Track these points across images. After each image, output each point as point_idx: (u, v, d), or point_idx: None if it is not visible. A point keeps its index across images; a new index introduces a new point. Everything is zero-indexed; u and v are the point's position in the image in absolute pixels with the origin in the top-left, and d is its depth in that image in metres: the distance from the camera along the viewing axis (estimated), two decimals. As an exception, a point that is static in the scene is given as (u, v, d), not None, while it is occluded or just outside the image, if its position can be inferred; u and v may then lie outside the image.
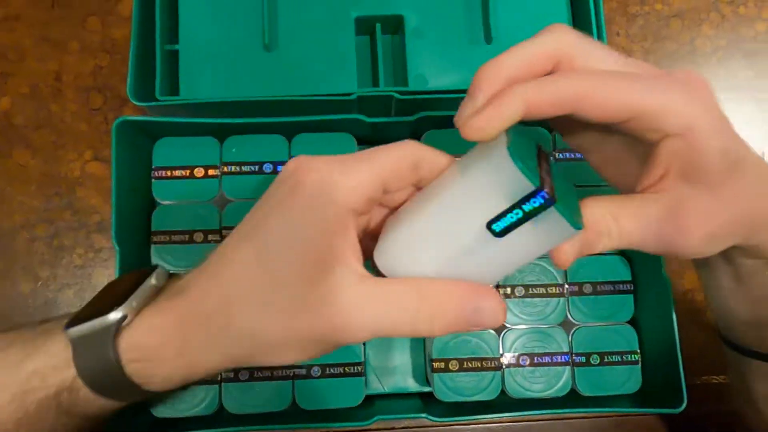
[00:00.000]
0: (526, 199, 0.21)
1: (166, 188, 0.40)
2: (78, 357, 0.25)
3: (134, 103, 0.39)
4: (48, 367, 0.25)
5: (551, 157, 0.25)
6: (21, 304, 0.45)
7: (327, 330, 0.23)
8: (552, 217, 0.22)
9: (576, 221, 0.22)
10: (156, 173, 0.40)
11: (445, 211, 0.24)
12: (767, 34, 0.51)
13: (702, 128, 0.23)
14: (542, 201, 0.21)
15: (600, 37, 0.43)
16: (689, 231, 0.24)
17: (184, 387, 0.27)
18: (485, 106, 0.22)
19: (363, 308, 0.23)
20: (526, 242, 0.23)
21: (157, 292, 0.27)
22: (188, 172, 0.40)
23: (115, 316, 0.25)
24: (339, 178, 0.23)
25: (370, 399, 0.41)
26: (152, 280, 0.27)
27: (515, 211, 0.22)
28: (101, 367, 0.25)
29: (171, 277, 0.29)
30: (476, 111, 0.23)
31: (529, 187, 0.21)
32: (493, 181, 0.22)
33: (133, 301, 0.25)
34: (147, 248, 0.40)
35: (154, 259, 0.39)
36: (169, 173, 0.40)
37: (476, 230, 0.23)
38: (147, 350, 0.25)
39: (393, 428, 0.44)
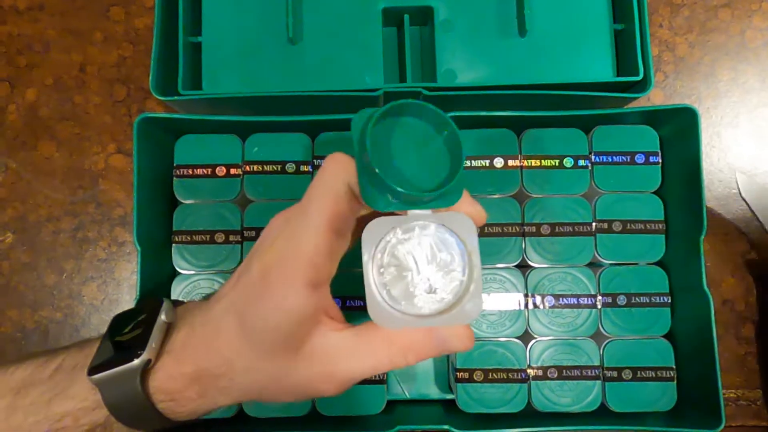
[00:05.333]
0: None
1: (188, 187, 0.39)
2: (108, 398, 0.27)
3: (156, 97, 0.39)
4: (78, 409, 0.28)
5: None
6: (47, 296, 0.46)
7: (315, 386, 0.26)
8: None
9: None
10: (177, 171, 0.40)
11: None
12: (825, 26, 0.47)
13: None
14: None
15: (642, 30, 0.40)
16: None
17: None
18: None
19: (343, 361, 0.26)
20: None
21: (168, 327, 0.29)
22: (210, 170, 0.39)
23: (140, 361, 0.27)
24: (297, 253, 0.25)
25: (391, 405, 0.40)
26: (162, 317, 0.29)
27: None
28: (134, 407, 0.27)
29: (175, 306, 0.31)
30: None
31: None
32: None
33: (152, 343, 0.28)
34: (168, 247, 0.39)
35: (175, 259, 0.39)
36: (190, 171, 0.39)
37: None
38: (172, 393, 0.28)
39: (414, 432, 0.43)
